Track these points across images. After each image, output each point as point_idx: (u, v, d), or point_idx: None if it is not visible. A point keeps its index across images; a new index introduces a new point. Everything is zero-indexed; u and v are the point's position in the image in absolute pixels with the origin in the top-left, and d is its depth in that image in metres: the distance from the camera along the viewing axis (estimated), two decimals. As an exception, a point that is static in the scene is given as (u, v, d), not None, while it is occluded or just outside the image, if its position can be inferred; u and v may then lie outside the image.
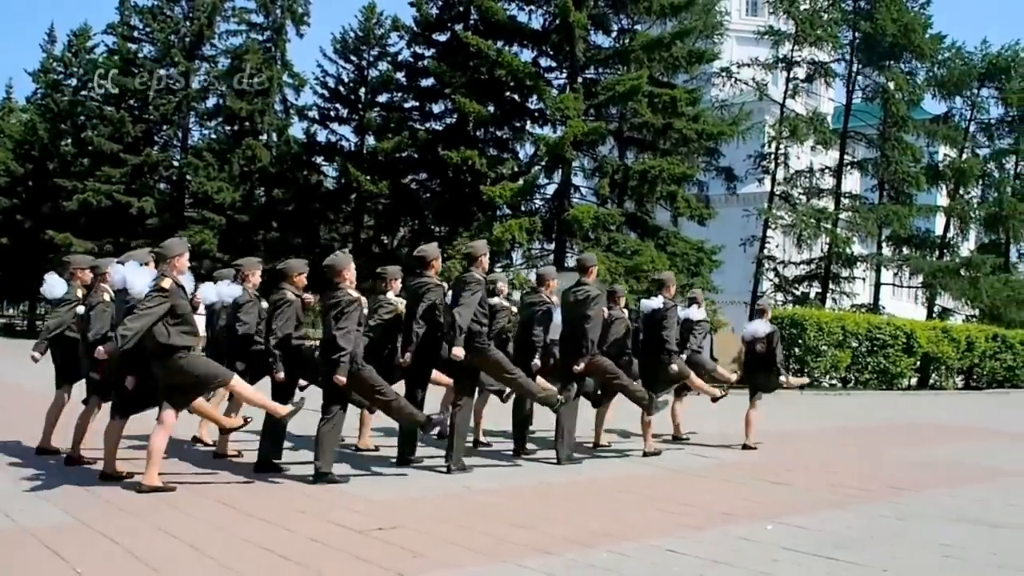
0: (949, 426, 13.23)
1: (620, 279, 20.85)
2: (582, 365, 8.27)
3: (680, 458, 9.35)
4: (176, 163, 31.85)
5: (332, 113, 29.61)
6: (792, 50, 32.37)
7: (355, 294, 6.92)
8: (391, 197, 26.70)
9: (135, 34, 32.15)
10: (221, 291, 8.06)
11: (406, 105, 28.29)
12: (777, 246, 33.60)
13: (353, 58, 29.53)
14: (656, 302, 9.34)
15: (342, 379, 6.64)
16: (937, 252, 35.79)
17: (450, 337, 7.52)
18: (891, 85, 32.51)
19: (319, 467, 6.86)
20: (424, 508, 6.30)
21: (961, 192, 37.19)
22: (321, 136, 29.83)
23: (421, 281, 7.75)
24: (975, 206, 38.21)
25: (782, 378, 10.63)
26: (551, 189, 25.63)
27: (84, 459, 7.23)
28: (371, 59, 29.50)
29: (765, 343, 10.47)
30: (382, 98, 29.12)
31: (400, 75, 28.46)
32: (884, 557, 5.29)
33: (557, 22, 24.10)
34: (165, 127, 31.99)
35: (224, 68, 31.02)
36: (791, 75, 32.64)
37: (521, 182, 24.11)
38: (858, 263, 33.25)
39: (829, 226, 31.47)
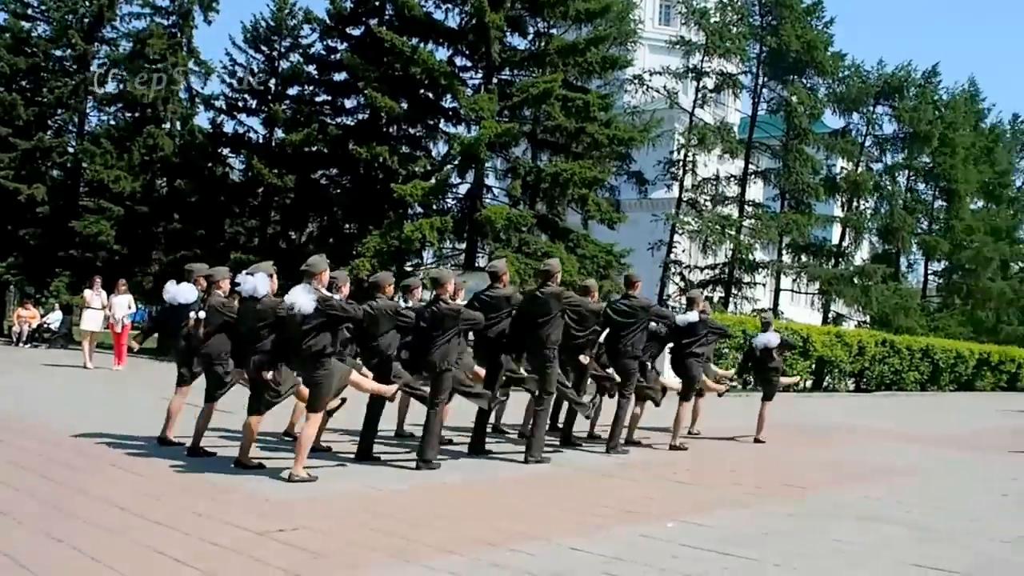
0: (843, 427, 13.70)
1: (530, 281, 20.88)
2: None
3: (588, 458, 9.54)
4: (71, 149, 30.56)
5: (240, 104, 28.86)
6: (702, 61, 33.11)
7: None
8: (299, 192, 26.17)
9: (29, 12, 30.73)
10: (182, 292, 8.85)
11: (317, 99, 27.80)
12: (683, 251, 34.31)
13: (264, 48, 28.81)
14: (692, 316, 10.74)
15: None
16: (833, 260, 37.13)
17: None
18: (794, 99, 33.65)
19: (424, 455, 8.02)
20: (327, 508, 6.23)
21: (856, 204, 38.81)
22: (228, 127, 29.09)
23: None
24: (869, 217, 39.88)
25: (785, 379, 12.38)
26: (463, 189, 25.56)
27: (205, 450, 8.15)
28: (282, 50, 28.82)
29: (778, 351, 12.09)
30: (292, 90, 28.53)
31: (312, 68, 27.93)
32: (777, 553, 5.51)
33: (473, 22, 24.03)
34: (60, 111, 30.65)
35: (126, 52, 29.91)
36: (700, 85, 33.39)
37: (433, 181, 23.96)
38: (760, 269, 34.27)
39: (733, 233, 32.31)
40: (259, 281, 7.46)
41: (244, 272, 7.66)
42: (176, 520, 5.56)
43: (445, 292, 8.25)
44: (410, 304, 8.93)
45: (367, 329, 8.15)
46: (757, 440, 11.74)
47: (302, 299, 7.09)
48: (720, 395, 12.11)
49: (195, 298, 8.73)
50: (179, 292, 8.82)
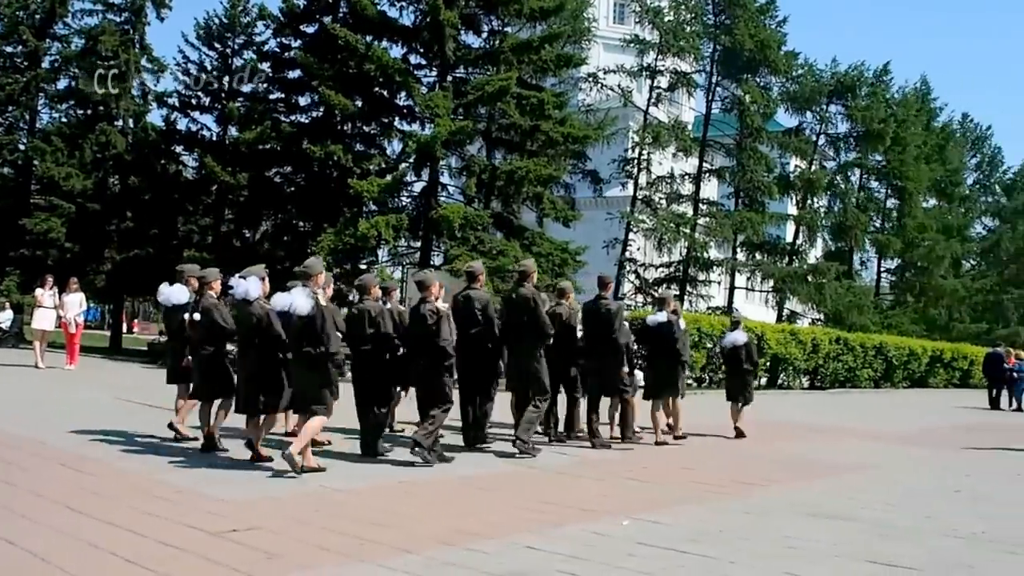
0: (797, 424, 13.87)
1: (486, 279, 20.89)
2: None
3: (543, 456, 9.51)
4: (22, 147, 30.15)
5: (193, 101, 28.64)
6: (656, 59, 33.34)
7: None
8: (253, 190, 25.97)
9: (-23, 7, 30.27)
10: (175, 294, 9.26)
11: (271, 96, 27.62)
12: (639, 249, 34.51)
13: (217, 45, 28.58)
14: (661, 316, 11.09)
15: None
16: (787, 258, 37.50)
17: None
18: (747, 98, 33.92)
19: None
20: (281, 508, 6.21)
21: (810, 202, 39.19)
22: (181, 124, 28.81)
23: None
24: (822, 215, 40.32)
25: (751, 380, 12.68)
26: (418, 187, 25.50)
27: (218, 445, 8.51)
28: (236, 47, 28.63)
29: (744, 351, 12.42)
30: (246, 88, 28.36)
31: (265, 65, 27.76)
32: (732, 550, 5.55)
33: (428, 20, 23.97)
34: (11, 108, 30.21)
35: (78, 48, 29.57)
36: (655, 83, 33.63)
37: (388, 178, 23.90)
38: (714, 267, 34.54)
39: (688, 231, 32.56)
40: (251, 284, 7.77)
41: (237, 276, 7.94)
42: (129, 521, 5.52)
43: (431, 294, 8.60)
44: (389, 306, 9.13)
45: (354, 332, 8.57)
46: (739, 434, 12.16)
47: (300, 301, 7.39)
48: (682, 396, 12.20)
49: (187, 299, 9.02)
50: (172, 293, 9.20)
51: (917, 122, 44.90)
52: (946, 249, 45.22)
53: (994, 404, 24.62)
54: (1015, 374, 24.75)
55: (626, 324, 11.00)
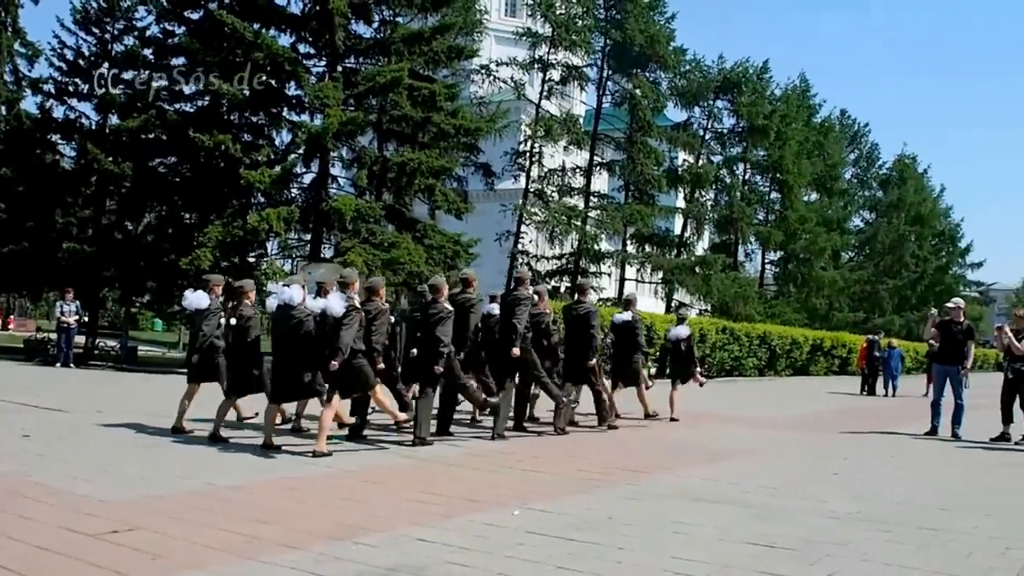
0: (684, 412, 14.18)
1: (377, 271, 20.73)
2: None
3: (432, 448, 9.54)
4: None
5: (71, 88, 27.43)
6: (548, 52, 33.58)
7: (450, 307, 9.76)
8: (136, 180, 25.09)
9: None
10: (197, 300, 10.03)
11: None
12: (531, 241, 34.73)
13: (95, 30, 27.39)
14: (627, 315, 12.75)
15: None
16: (675, 250, 38.28)
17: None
18: (638, 92, 34.50)
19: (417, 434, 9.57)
20: (164, 507, 6.06)
21: (697, 195, 40.09)
22: (58, 112, 27.55)
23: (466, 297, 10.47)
24: (709, 208, 41.31)
25: (699, 370, 14.71)
26: (308, 178, 25.12)
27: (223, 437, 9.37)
28: (116, 32, 27.53)
29: (686, 343, 14.28)
30: (128, 75, 27.28)
31: (148, 51, 26.77)
32: (620, 536, 5.65)
33: (317, 8, 23.63)
34: None
35: (-57, 31, 28.04)
36: (547, 77, 33.87)
37: (278, 169, 23.44)
38: (605, 259, 35.03)
39: (579, 223, 32.93)
40: (294, 291, 9.01)
41: (280, 283, 9.66)
42: (4, 525, 5.32)
43: (442, 296, 9.80)
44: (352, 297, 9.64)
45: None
46: (673, 420, 13.38)
47: (335, 304, 8.65)
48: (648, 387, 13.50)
49: (207, 304, 9.92)
50: (196, 299, 10.01)
51: (798, 118, 46.42)
52: (826, 241, 46.92)
53: (870, 390, 25.62)
54: (890, 361, 25.86)
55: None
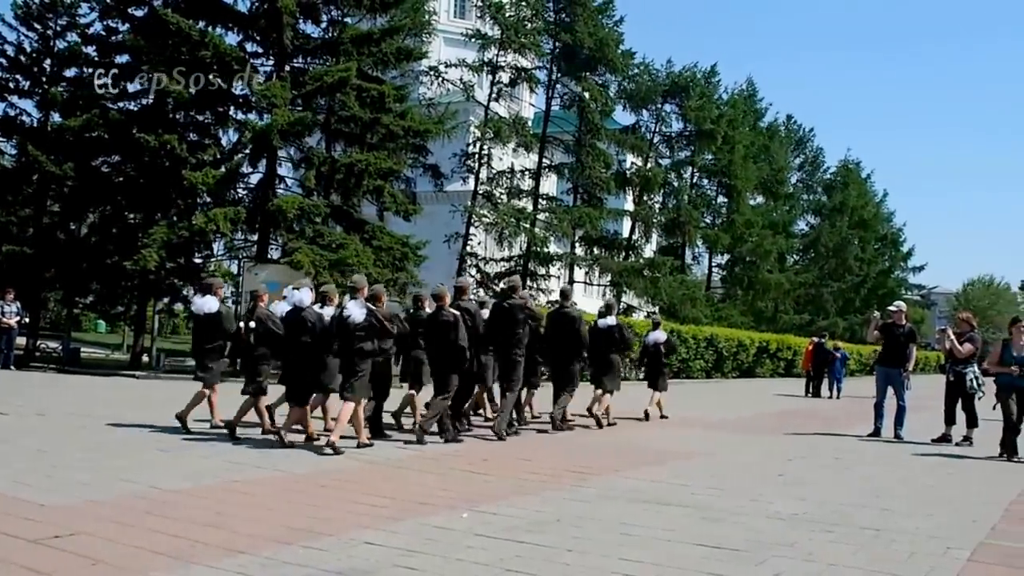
0: (630, 413, 14.29)
1: (324, 272, 20.63)
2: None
3: (381, 451, 9.54)
4: None
5: (11, 85, 26.87)
6: (497, 55, 33.61)
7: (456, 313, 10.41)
8: (79, 180, 24.64)
9: None
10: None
11: (98, 81, 26.25)
12: (480, 243, 34.72)
13: (37, 26, 26.87)
14: (611, 320, 13.28)
15: None
16: (623, 253, 38.50)
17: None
18: (587, 95, 34.67)
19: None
20: (106, 511, 5.98)
21: (646, 198, 40.38)
22: (-3, 110, 26.99)
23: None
24: (657, 211, 41.62)
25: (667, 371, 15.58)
26: (255, 179, 24.89)
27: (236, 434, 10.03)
28: (58, 28, 27.05)
29: (665, 347, 15.34)
30: (70, 72, 26.79)
31: (91, 49, 26.35)
32: (569, 538, 5.69)
33: (265, 7, 23.43)
34: None
35: None
36: (496, 79, 33.89)
37: (224, 169, 23.20)
38: (554, 261, 35.12)
39: (528, 225, 33.01)
40: (304, 294, 9.68)
41: (291, 287, 9.86)
42: None
43: (445, 303, 10.49)
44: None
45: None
46: (663, 416, 14.82)
47: (355, 311, 9.30)
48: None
49: (216, 307, 10.39)
50: (204, 303, 10.44)
51: (745, 122, 47.00)
52: (772, 244, 47.55)
53: (815, 392, 26.01)
54: (836, 363, 26.37)
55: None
